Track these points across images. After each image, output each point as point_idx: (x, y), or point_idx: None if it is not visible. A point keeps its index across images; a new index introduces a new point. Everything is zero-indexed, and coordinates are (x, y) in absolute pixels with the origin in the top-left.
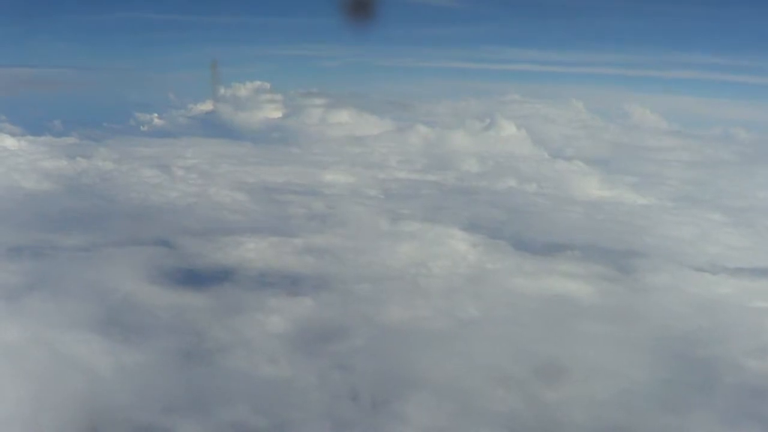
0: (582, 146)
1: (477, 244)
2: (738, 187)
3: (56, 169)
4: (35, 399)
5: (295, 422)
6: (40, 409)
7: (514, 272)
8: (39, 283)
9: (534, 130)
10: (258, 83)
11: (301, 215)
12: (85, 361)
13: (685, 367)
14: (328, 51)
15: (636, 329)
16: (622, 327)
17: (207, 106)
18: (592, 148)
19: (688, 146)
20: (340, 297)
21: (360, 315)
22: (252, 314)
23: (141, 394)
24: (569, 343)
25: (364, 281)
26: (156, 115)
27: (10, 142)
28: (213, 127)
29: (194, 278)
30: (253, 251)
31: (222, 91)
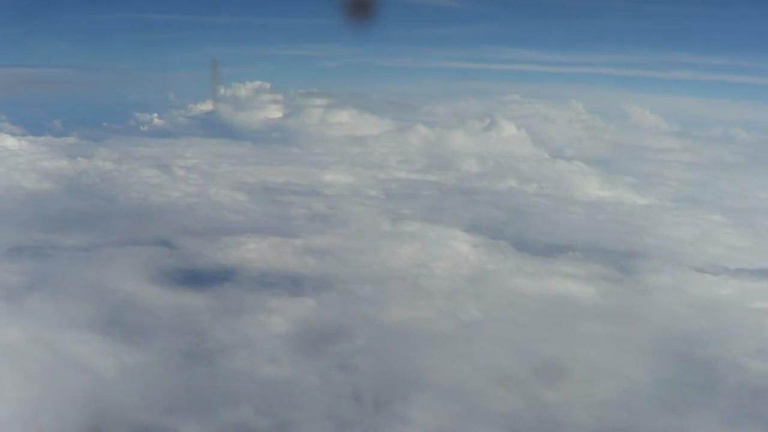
0: (582, 146)
1: (478, 244)
2: (738, 187)
3: (57, 169)
4: (36, 399)
5: (297, 423)
6: (41, 409)
7: (515, 273)
8: (39, 283)
9: (534, 131)
10: (258, 83)
11: (302, 215)
12: (86, 362)
13: (686, 368)
14: (328, 51)
15: (637, 330)
16: (623, 327)
17: (207, 106)
18: (592, 148)
19: (688, 147)
20: (342, 297)
21: (361, 315)
22: (253, 314)
23: (142, 394)
24: (570, 343)
25: (365, 282)
26: (156, 115)
27: (10, 142)
28: (213, 127)
29: (195, 278)
30: (253, 251)
31: (222, 91)
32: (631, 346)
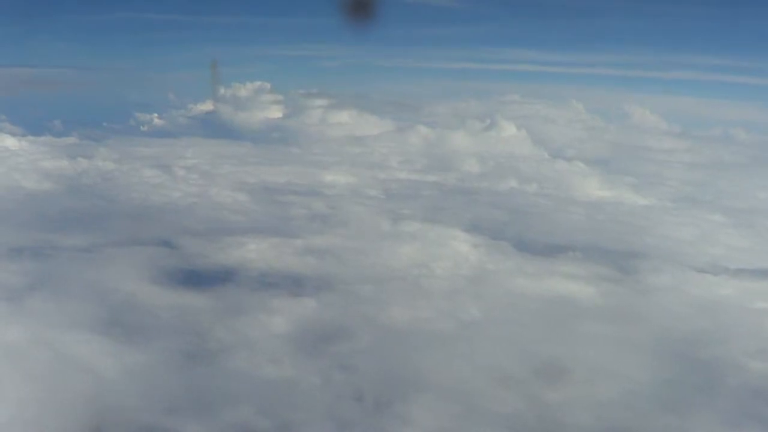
0: (582, 147)
1: (478, 244)
2: (738, 188)
3: (57, 169)
4: (37, 400)
5: (298, 423)
6: (42, 410)
7: (515, 273)
8: (40, 283)
9: (534, 131)
10: (258, 83)
11: (302, 216)
12: (87, 362)
13: (687, 368)
14: (328, 51)
15: (637, 330)
16: (623, 328)
17: (207, 106)
18: (592, 148)
19: (688, 147)
20: (342, 298)
21: (362, 316)
22: (254, 315)
23: (143, 394)
24: (571, 343)
25: (366, 282)
26: (156, 115)
27: (10, 142)
28: (213, 128)
29: (196, 279)
30: (254, 252)
31: (222, 91)
32: (631, 346)
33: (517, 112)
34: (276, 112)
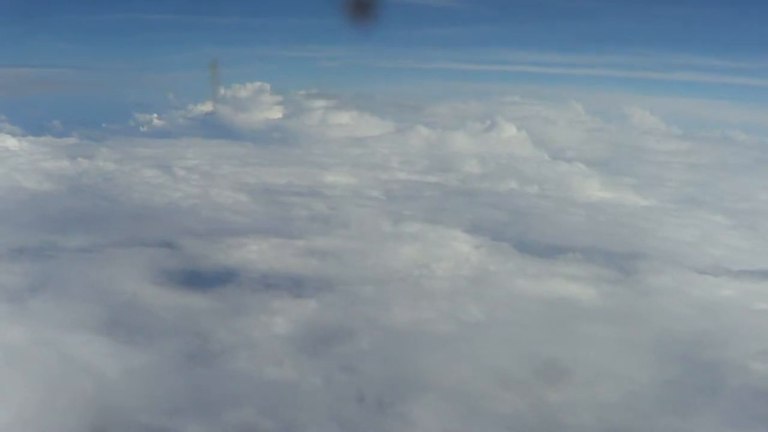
0: (583, 148)
1: (479, 245)
2: (739, 189)
3: (57, 169)
4: (40, 400)
5: (301, 424)
6: (45, 410)
7: (516, 274)
8: (41, 284)
9: (534, 132)
10: (258, 84)
11: (303, 216)
12: (89, 363)
13: (689, 370)
14: (329, 52)
15: (638, 331)
16: (624, 329)
17: (207, 106)
18: (592, 149)
19: (688, 148)
20: (343, 299)
21: (363, 317)
22: (255, 316)
23: (146, 395)
24: (572, 345)
25: (367, 283)
26: (156, 115)
27: (11, 143)
28: (213, 128)
29: (197, 279)
30: (255, 252)
31: (222, 91)
32: (632, 347)
33: (517, 113)
34: (276, 113)
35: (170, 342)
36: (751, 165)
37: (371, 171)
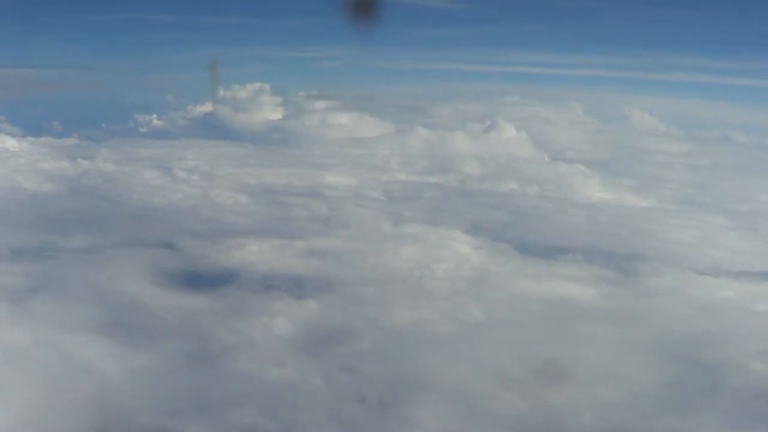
0: (582, 149)
1: (479, 246)
2: (739, 190)
3: (57, 170)
4: (41, 402)
5: (302, 425)
6: (46, 411)
7: (516, 275)
8: (42, 285)
9: (534, 133)
10: (258, 84)
11: (304, 217)
12: (91, 364)
13: (689, 370)
14: (328, 52)
15: (639, 332)
16: (624, 329)
17: (206, 107)
18: (592, 150)
19: (688, 149)
20: (344, 299)
21: (364, 317)
22: (257, 317)
23: (147, 396)
24: (572, 345)
25: (368, 284)
26: (155, 116)
27: (11, 143)
28: (212, 129)
29: (198, 280)
30: (255, 253)
31: (221, 92)
32: (632, 348)
33: (517, 113)
34: (276, 114)
35: (171, 343)
36: (751, 166)
37: (371, 172)
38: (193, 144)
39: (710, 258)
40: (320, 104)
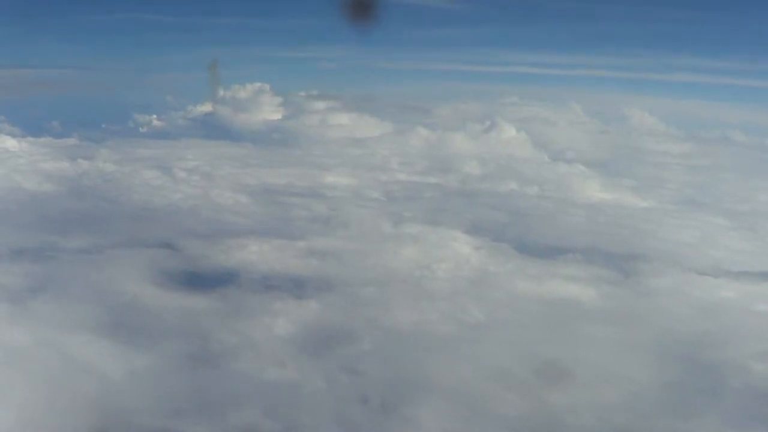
0: (582, 149)
1: (479, 246)
2: (739, 190)
3: (58, 170)
4: (42, 402)
5: (304, 426)
6: (47, 412)
7: (516, 275)
8: (42, 285)
9: (534, 133)
10: (258, 85)
11: (304, 217)
12: (91, 364)
13: (690, 371)
14: (328, 53)
15: (639, 332)
16: (625, 330)
17: (206, 107)
18: (592, 151)
19: (687, 149)
20: (345, 300)
21: (365, 318)
22: (257, 317)
23: (148, 397)
24: (573, 345)
25: (368, 284)
26: (155, 116)
27: (10, 144)
28: (212, 129)
29: (198, 281)
30: (256, 254)
31: (221, 92)
32: (633, 348)
33: (517, 114)
34: (276, 114)
35: (171, 343)
36: (751, 166)
37: (371, 172)
38: (193, 144)
39: (710, 258)
40: (320, 104)
